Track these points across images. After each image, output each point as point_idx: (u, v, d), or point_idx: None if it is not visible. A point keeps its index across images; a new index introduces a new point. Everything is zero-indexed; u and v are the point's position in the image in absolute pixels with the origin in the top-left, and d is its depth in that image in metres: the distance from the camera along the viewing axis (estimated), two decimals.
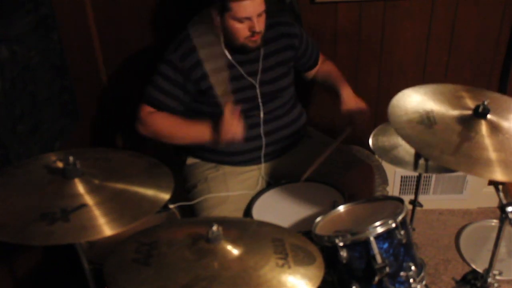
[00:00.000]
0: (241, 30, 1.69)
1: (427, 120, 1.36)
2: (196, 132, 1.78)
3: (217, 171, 1.90)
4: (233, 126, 1.67)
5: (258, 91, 1.81)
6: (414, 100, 1.45)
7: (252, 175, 1.91)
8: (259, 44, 1.75)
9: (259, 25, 1.68)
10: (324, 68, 2.05)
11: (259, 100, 1.83)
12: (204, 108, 1.83)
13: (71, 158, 1.22)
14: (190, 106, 1.84)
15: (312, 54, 2.00)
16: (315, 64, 2.03)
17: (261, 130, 1.85)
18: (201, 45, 1.76)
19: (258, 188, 1.87)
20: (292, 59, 1.91)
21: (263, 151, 1.88)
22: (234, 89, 1.79)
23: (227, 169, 1.90)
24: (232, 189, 1.84)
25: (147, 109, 1.81)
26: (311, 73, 2.05)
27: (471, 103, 1.40)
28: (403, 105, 1.43)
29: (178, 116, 1.82)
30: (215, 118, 1.77)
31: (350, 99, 1.85)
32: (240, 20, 1.66)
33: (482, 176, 1.24)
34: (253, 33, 1.69)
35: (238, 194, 1.82)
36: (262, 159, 1.90)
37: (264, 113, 1.85)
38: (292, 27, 1.91)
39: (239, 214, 1.75)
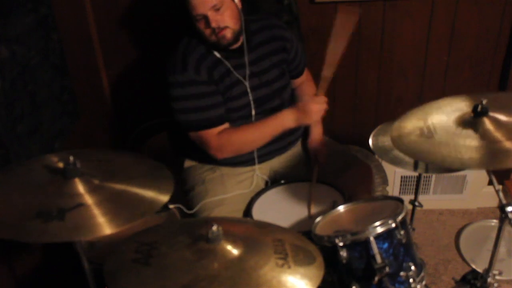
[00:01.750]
0: (203, 29, 1.67)
1: (427, 131, 1.37)
2: (276, 125, 1.77)
3: (214, 172, 1.90)
4: (319, 111, 1.73)
5: (250, 95, 1.82)
6: (411, 120, 1.46)
7: (249, 176, 1.90)
8: (231, 39, 1.70)
9: (216, 21, 1.64)
10: (303, 89, 2.05)
11: (251, 103, 1.82)
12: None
13: (71, 158, 1.22)
14: None
15: (299, 64, 1.99)
16: (299, 74, 2.02)
17: None
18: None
19: (255, 190, 1.86)
20: (285, 61, 1.90)
21: (256, 152, 1.88)
22: (228, 95, 1.79)
23: (224, 170, 1.90)
24: (229, 190, 1.83)
25: (210, 133, 1.74)
26: (292, 84, 2.03)
27: (468, 107, 1.40)
28: (402, 126, 1.44)
29: (244, 125, 1.81)
30: (234, 112, 1.79)
31: (317, 138, 1.94)
32: (197, 19, 1.65)
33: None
34: (213, 29, 1.65)
35: (235, 194, 1.82)
36: (256, 160, 1.89)
37: (257, 114, 1.84)
38: (284, 31, 1.89)
39: (237, 215, 1.75)
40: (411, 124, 1.43)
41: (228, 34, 1.68)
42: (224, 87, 1.76)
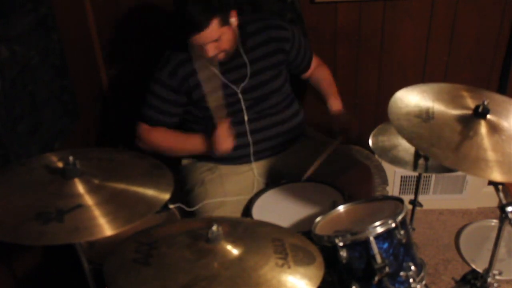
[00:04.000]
0: (203, 52, 1.71)
1: (426, 115, 1.38)
2: (192, 145, 1.86)
3: (212, 173, 1.91)
4: (225, 141, 1.75)
5: (240, 97, 1.82)
6: (417, 96, 1.47)
7: (247, 176, 1.90)
8: (223, 59, 1.76)
9: (213, 50, 1.69)
10: (317, 74, 2.07)
11: (243, 105, 1.83)
12: (197, 112, 1.85)
13: (71, 158, 1.21)
14: (185, 110, 1.87)
15: (304, 59, 2.00)
16: (307, 68, 2.05)
17: (246, 128, 1.86)
18: (195, 56, 1.78)
19: (255, 191, 1.86)
20: (283, 62, 1.91)
21: (251, 149, 1.88)
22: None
23: (223, 170, 1.90)
24: (228, 191, 1.84)
25: (143, 127, 1.89)
26: (304, 75, 2.07)
27: (471, 103, 1.40)
28: (405, 98, 1.45)
29: (174, 130, 1.89)
30: (207, 121, 1.81)
31: (337, 107, 1.94)
32: (198, 47, 1.70)
33: (474, 174, 1.26)
34: (204, 54, 1.71)
35: (235, 199, 1.82)
36: (252, 158, 1.90)
37: (249, 114, 1.85)
38: (283, 31, 1.89)
39: (237, 216, 1.75)
40: (413, 101, 1.44)
41: (221, 56, 1.74)
42: (203, 93, 1.80)
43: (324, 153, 1.84)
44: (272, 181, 1.92)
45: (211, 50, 1.69)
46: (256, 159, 1.91)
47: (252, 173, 1.91)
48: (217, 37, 1.67)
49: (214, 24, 1.64)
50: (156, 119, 1.86)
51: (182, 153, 1.94)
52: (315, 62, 2.06)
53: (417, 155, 1.68)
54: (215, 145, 1.76)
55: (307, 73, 2.05)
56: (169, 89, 1.81)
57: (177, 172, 1.98)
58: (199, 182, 1.90)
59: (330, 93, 2.00)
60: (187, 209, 1.77)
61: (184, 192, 1.93)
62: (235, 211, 1.77)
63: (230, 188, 1.85)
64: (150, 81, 1.85)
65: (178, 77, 1.79)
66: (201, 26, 1.63)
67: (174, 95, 1.81)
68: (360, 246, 1.32)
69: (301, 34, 2.04)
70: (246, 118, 1.85)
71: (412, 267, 1.33)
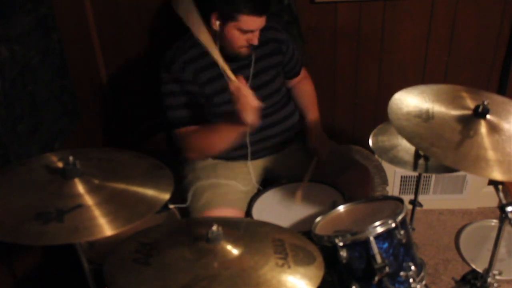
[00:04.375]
0: (240, 40, 1.70)
1: (425, 115, 1.38)
2: (226, 127, 1.69)
3: (206, 160, 1.91)
4: (250, 109, 1.56)
5: None
6: (417, 96, 1.47)
7: (243, 172, 1.91)
8: (249, 52, 1.77)
9: (257, 38, 1.71)
10: (301, 87, 2.06)
11: None
12: (206, 114, 1.83)
13: (71, 158, 1.21)
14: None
15: (296, 65, 2.00)
16: (296, 75, 2.04)
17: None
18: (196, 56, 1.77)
19: (249, 186, 1.87)
20: (281, 63, 1.92)
21: (249, 149, 1.88)
22: (218, 98, 1.79)
23: (218, 160, 1.91)
24: (222, 176, 1.84)
25: (180, 132, 1.76)
26: (289, 83, 2.05)
27: (471, 104, 1.41)
28: (404, 99, 1.46)
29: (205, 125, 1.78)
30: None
31: (315, 136, 1.94)
32: (242, 31, 1.68)
33: (474, 173, 1.27)
34: (250, 44, 1.71)
35: (227, 182, 1.82)
36: (249, 156, 1.89)
37: None
38: (280, 33, 1.91)
39: (227, 198, 1.76)
40: (412, 101, 1.45)
41: (250, 48, 1.74)
42: (213, 90, 1.78)
43: (307, 176, 1.83)
44: (267, 180, 1.92)
45: (258, 37, 1.70)
46: (254, 158, 1.92)
47: (248, 170, 1.91)
48: (264, 25, 1.70)
49: None
50: (185, 116, 1.75)
51: (224, 141, 1.71)
52: (302, 73, 2.07)
53: (417, 155, 1.68)
54: (241, 116, 1.55)
55: (292, 82, 2.05)
56: (184, 83, 1.74)
57: (177, 171, 1.98)
58: (191, 170, 1.91)
59: (310, 111, 2.01)
60: (181, 205, 1.76)
61: (180, 184, 1.93)
62: (226, 192, 1.77)
63: (222, 172, 1.86)
64: (163, 86, 1.75)
65: (189, 71, 1.74)
66: (270, 8, 1.64)
67: (191, 86, 1.75)
68: (360, 246, 1.32)
69: (296, 39, 2.04)
70: None
71: (412, 267, 1.33)
